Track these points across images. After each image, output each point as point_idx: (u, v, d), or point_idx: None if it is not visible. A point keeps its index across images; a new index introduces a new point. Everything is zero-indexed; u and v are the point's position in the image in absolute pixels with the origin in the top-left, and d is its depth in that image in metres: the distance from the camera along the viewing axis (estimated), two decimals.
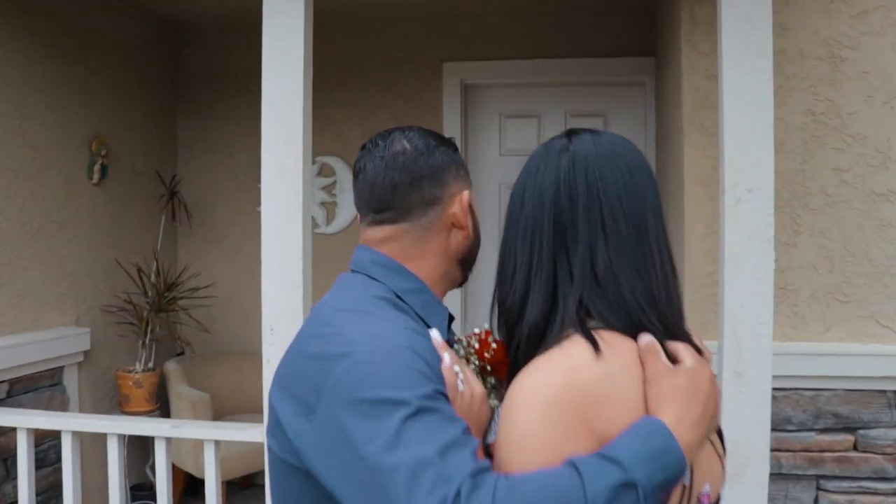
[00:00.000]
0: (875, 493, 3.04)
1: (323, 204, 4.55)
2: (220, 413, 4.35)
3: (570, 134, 1.17)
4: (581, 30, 4.29)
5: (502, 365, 1.71)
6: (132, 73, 4.25)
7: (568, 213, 1.09)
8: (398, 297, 1.20)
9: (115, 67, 4.08)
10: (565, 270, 1.09)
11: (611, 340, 1.03)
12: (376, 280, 1.21)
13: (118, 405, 3.95)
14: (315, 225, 4.45)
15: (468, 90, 4.48)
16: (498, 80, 4.42)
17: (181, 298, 4.12)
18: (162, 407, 4.12)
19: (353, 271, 1.26)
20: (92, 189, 3.90)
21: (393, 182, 1.20)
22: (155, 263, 4.20)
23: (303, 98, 2.49)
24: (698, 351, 1.07)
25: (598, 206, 1.09)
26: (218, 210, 4.67)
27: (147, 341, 3.98)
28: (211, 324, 4.43)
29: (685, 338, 1.09)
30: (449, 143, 1.27)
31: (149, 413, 3.90)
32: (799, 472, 3.05)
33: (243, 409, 4.44)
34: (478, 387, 1.12)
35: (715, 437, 1.17)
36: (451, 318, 1.29)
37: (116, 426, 2.80)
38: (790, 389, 2.99)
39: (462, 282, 1.33)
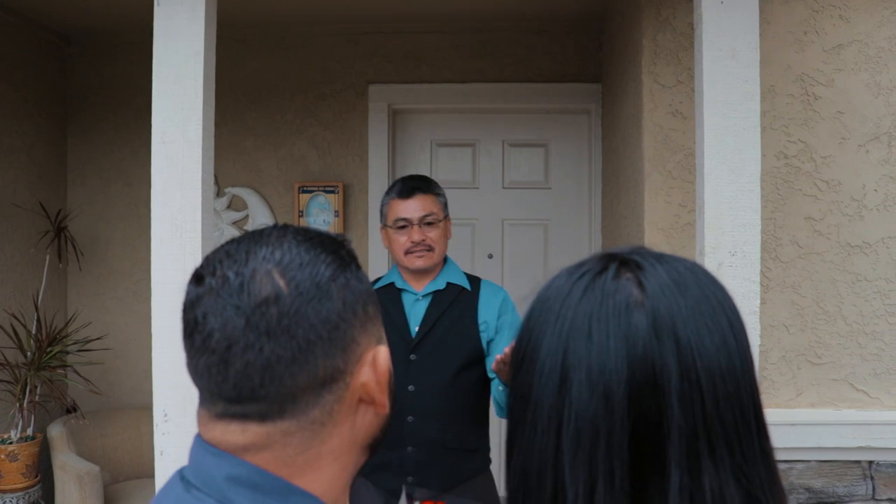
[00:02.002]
0: None
1: None
2: (116, 478, 3.82)
3: (629, 266, 0.73)
4: (522, 52, 3.94)
5: None
6: (12, 90, 3.69)
7: (653, 415, 0.67)
8: None
9: None
10: None
11: None
12: None
13: None
14: None
15: (396, 115, 4.07)
16: (430, 105, 4.02)
17: (68, 353, 3.57)
18: (45, 480, 3.57)
19: (188, 485, 0.76)
20: None
21: (264, 357, 0.72)
22: (36, 313, 3.64)
23: (202, 146, 2.05)
24: None
25: (699, 400, 0.68)
26: (113, 248, 4.12)
27: (25, 404, 3.42)
28: (104, 376, 3.89)
29: None
30: (347, 261, 0.79)
31: (27, 490, 3.35)
32: None
33: (142, 473, 3.92)
34: None
35: None
36: None
37: None
38: None
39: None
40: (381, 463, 2.28)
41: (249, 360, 0.72)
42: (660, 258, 0.74)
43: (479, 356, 2.37)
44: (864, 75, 2.77)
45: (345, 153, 4.01)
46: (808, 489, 2.77)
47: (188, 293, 0.76)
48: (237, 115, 3.98)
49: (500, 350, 2.34)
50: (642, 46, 2.78)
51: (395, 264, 2.46)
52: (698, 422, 0.67)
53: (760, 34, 2.70)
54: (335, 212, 3.91)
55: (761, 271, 2.73)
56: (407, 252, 2.35)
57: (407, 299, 2.40)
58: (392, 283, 2.42)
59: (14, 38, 3.71)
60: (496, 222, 4.00)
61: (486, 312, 2.40)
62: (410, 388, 2.32)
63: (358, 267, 0.80)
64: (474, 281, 2.48)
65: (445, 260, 2.47)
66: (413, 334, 2.34)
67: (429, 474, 2.29)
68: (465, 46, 3.96)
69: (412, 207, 2.36)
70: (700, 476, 0.66)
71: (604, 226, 3.79)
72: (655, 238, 2.78)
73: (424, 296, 2.40)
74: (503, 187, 4.07)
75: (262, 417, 0.74)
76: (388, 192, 2.46)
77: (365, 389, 0.78)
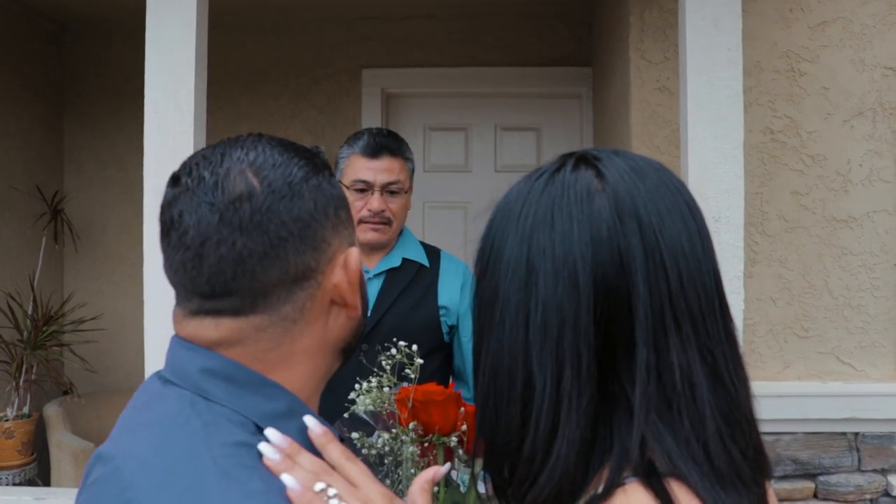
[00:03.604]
0: None
1: None
2: None
3: (586, 160, 0.76)
4: (513, 36, 3.97)
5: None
6: (8, 75, 3.72)
7: (620, 295, 0.70)
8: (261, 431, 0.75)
9: None
10: (618, 389, 0.70)
11: (686, 501, 0.66)
12: (214, 402, 0.75)
13: None
14: None
15: (390, 100, 4.11)
16: (422, 90, 4.06)
17: (63, 333, 3.60)
18: (41, 458, 3.59)
19: (165, 381, 0.78)
20: None
21: (236, 251, 0.74)
22: (32, 293, 3.67)
23: (193, 126, 2.07)
24: None
25: (664, 278, 0.70)
26: (109, 231, 4.15)
27: (21, 383, 3.45)
28: (100, 358, 3.92)
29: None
30: (320, 166, 0.82)
31: (22, 467, 3.38)
32: None
33: None
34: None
35: None
36: None
37: None
38: None
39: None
40: None
41: (223, 255, 0.74)
42: (616, 152, 0.77)
43: (440, 344, 2.10)
44: (848, 52, 2.81)
45: (339, 137, 4.01)
46: (795, 460, 2.80)
47: (165, 194, 0.78)
48: (231, 100, 4.01)
49: (465, 336, 2.13)
50: (629, 24, 2.81)
51: None
52: (664, 300, 0.69)
53: (747, 11, 2.73)
54: None
55: (748, 245, 2.77)
56: (361, 221, 2.01)
57: None
58: None
59: (10, 23, 3.74)
60: (489, 205, 4.03)
61: (447, 293, 2.12)
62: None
63: (331, 174, 0.82)
64: (433, 254, 2.18)
65: (402, 231, 2.15)
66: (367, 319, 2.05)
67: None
68: (458, 31, 3.99)
69: (377, 169, 2.02)
70: (668, 353, 0.69)
71: None
72: None
73: (377, 275, 2.07)
74: (495, 171, 4.10)
75: (235, 312, 0.76)
76: (350, 144, 2.10)
77: (337, 290, 0.80)
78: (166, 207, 0.78)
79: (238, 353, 0.77)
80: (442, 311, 2.11)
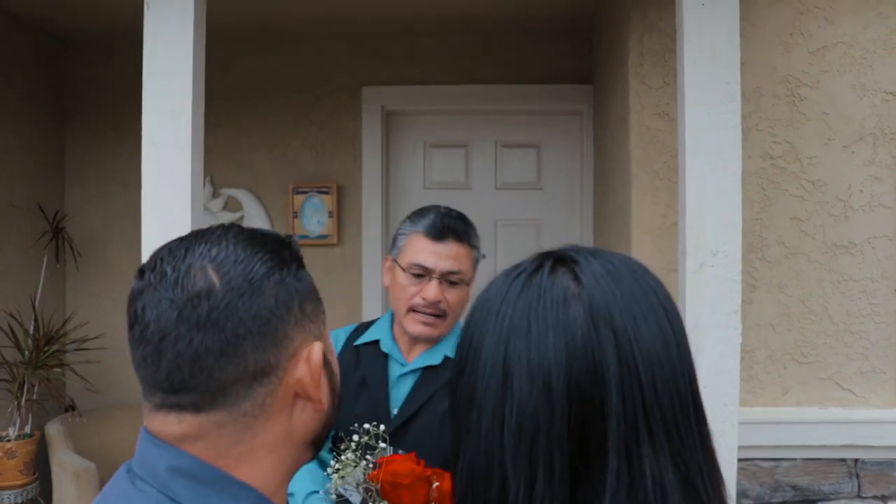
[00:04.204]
0: None
1: None
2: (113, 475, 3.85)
3: (564, 262, 0.77)
4: (514, 54, 3.97)
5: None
6: (9, 89, 3.72)
7: (594, 403, 0.70)
8: None
9: None
10: (591, 495, 0.70)
11: None
12: None
13: None
14: None
15: (390, 117, 4.11)
16: (423, 107, 4.06)
17: (65, 352, 3.61)
18: (43, 477, 3.60)
19: (133, 476, 0.79)
20: None
21: (193, 349, 0.75)
22: (34, 312, 3.68)
23: (191, 147, 2.08)
24: None
25: (638, 386, 0.70)
26: (110, 247, 4.16)
27: (23, 402, 3.46)
28: (102, 375, 3.93)
29: None
30: (287, 260, 0.81)
31: (24, 487, 3.39)
32: None
33: None
34: None
35: None
36: None
37: None
38: (747, 460, 2.73)
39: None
40: None
41: (180, 351, 0.74)
42: (594, 253, 0.77)
43: None
44: (849, 77, 2.80)
45: (339, 154, 4.05)
46: (794, 487, 2.80)
47: (132, 287, 0.79)
48: (232, 116, 4.02)
49: None
50: (629, 48, 2.81)
51: (391, 311, 1.91)
52: (637, 408, 0.70)
53: (746, 36, 2.74)
54: (329, 212, 3.95)
55: (748, 271, 2.76)
56: (411, 309, 1.79)
57: (393, 370, 1.84)
58: (377, 342, 1.87)
59: (10, 38, 3.75)
60: (489, 223, 4.04)
61: None
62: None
63: (299, 266, 0.82)
64: None
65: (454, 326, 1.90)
66: (392, 418, 1.77)
67: None
68: (458, 48, 3.99)
69: (439, 255, 1.78)
70: (640, 462, 0.69)
71: (595, 226, 3.82)
72: (641, 238, 2.81)
73: (412, 371, 1.83)
74: (496, 188, 4.10)
75: (196, 408, 0.77)
76: (412, 221, 1.85)
77: (300, 385, 0.80)
78: (131, 301, 0.79)
79: (201, 449, 0.77)
80: None
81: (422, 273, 1.78)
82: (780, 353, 2.83)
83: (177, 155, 2.11)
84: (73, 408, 3.74)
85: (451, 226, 1.79)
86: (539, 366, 0.70)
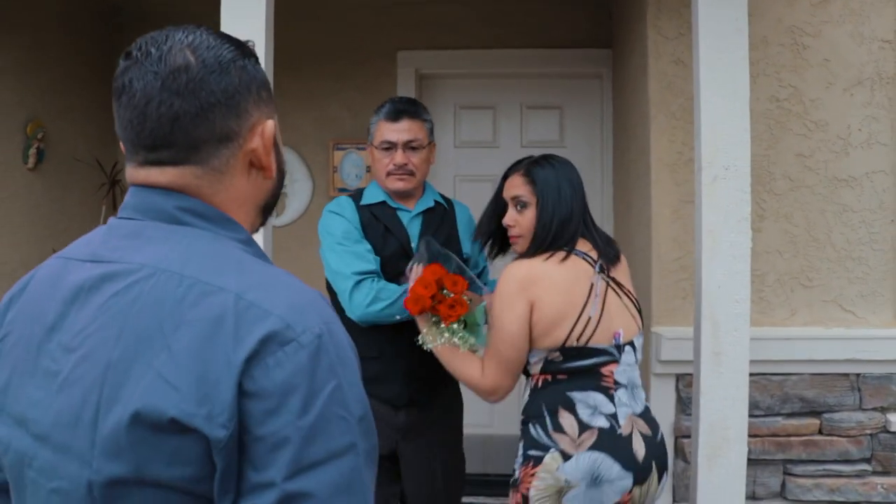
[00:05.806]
0: (839, 475, 3.07)
1: None
2: None
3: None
4: (538, 20, 4.25)
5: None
6: (70, 55, 4.03)
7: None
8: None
9: (50, 46, 3.86)
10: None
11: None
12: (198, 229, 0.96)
13: None
14: None
15: (423, 80, 4.40)
16: (453, 70, 4.34)
17: None
18: None
19: (130, 219, 0.96)
20: (27, 174, 3.69)
21: (173, 111, 0.92)
22: None
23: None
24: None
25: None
26: None
27: None
28: None
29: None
30: (248, 53, 1.00)
31: None
32: (767, 458, 3.05)
33: None
34: None
35: (629, 302, 2.10)
36: None
37: None
38: (758, 374, 2.99)
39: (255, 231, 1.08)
40: (376, 375, 2.31)
41: (162, 113, 0.93)
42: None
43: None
44: (848, 26, 3.07)
45: None
46: (802, 399, 3.06)
47: (119, 65, 0.97)
48: (276, 79, 4.30)
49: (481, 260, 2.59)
50: (647, 3, 3.10)
51: (374, 181, 2.51)
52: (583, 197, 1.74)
53: None
54: (366, 167, 4.24)
55: (757, 203, 3.04)
56: (388, 174, 2.40)
57: (403, 217, 2.45)
58: (385, 202, 2.45)
59: (77, 12, 4.06)
60: None
61: (463, 232, 2.55)
62: None
63: (257, 61, 1.02)
64: (447, 201, 2.60)
65: (425, 184, 2.54)
66: (415, 251, 2.38)
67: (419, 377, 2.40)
68: (486, 15, 4.27)
69: (398, 131, 2.40)
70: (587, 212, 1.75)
71: (615, 177, 4.10)
72: (661, 173, 3.09)
73: (416, 215, 2.46)
74: (521, 146, 4.38)
75: (174, 162, 0.95)
76: (377, 112, 2.50)
77: (254, 154, 0.99)
78: (119, 75, 0.96)
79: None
80: (463, 245, 2.53)
81: (389, 146, 2.41)
82: (788, 277, 3.10)
83: None
84: None
85: (403, 108, 2.45)
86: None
